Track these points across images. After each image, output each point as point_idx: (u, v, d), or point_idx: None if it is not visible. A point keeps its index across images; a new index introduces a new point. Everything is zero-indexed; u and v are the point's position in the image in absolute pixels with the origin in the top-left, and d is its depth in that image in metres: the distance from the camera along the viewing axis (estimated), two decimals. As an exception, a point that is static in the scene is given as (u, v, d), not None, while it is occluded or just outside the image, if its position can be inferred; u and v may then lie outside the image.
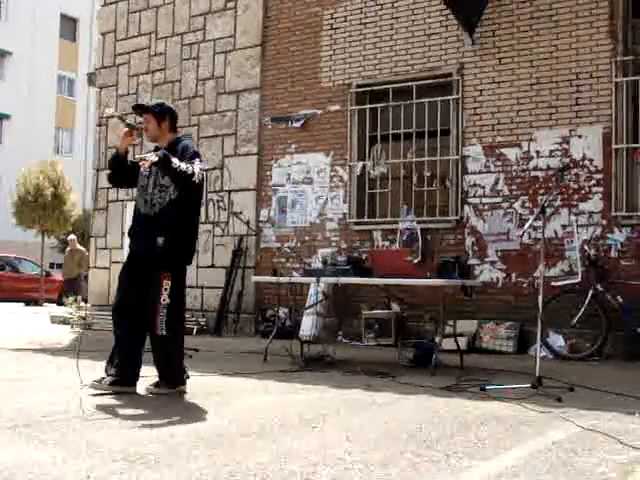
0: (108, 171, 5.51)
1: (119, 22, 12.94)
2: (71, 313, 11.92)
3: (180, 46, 12.05)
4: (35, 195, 24.74)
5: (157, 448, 3.44)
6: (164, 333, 5.01)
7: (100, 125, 13.02)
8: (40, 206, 24.66)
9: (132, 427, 3.94)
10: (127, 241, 5.37)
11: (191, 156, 5.07)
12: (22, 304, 22.60)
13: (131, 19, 12.76)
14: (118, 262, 12.10)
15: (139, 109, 5.33)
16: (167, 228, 5.04)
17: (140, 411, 4.46)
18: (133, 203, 5.46)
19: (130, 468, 3.08)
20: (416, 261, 8.49)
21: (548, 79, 8.87)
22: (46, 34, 40.77)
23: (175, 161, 4.84)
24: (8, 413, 4.21)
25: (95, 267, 12.68)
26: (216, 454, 3.36)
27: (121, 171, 5.35)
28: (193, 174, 4.86)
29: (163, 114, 5.22)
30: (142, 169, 5.17)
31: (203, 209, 10.54)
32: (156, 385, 5.13)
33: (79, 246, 19.14)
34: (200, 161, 5.09)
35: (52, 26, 41.51)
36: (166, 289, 5.01)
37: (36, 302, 22.54)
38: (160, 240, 5.02)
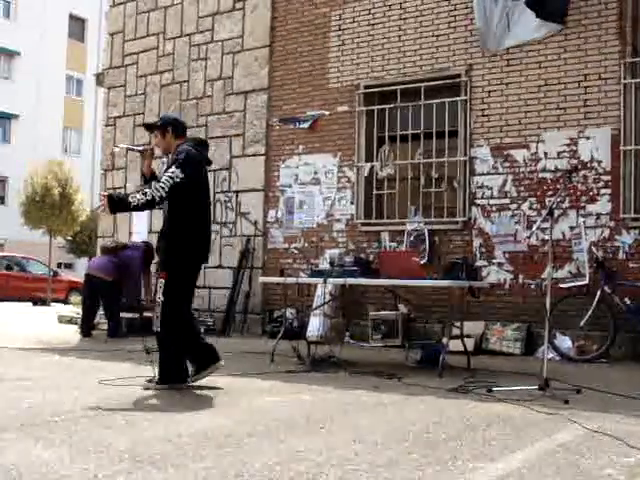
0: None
1: (127, 22, 12.98)
2: (78, 313, 11.94)
3: (188, 47, 12.08)
4: (43, 195, 24.77)
5: (164, 448, 3.45)
6: (157, 330, 5.28)
7: (108, 125, 13.06)
8: (48, 206, 24.69)
9: (139, 427, 3.95)
10: None
11: (170, 165, 5.21)
12: (30, 304, 22.68)
13: (139, 19, 12.80)
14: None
15: (146, 128, 5.75)
16: (164, 233, 5.34)
17: (147, 411, 4.48)
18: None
19: (137, 468, 3.09)
20: (422, 262, 8.47)
21: (556, 80, 8.85)
22: (54, 34, 40.91)
23: (129, 199, 5.05)
24: (16, 412, 4.23)
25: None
26: (223, 454, 3.37)
27: None
28: (153, 198, 5.02)
29: (165, 126, 5.46)
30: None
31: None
32: (149, 380, 5.31)
33: None
34: (178, 166, 5.11)
35: (60, 26, 41.66)
36: (160, 287, 5.26)
37: (44, 302, 22.61)
38: (161, 246, 5.36)
